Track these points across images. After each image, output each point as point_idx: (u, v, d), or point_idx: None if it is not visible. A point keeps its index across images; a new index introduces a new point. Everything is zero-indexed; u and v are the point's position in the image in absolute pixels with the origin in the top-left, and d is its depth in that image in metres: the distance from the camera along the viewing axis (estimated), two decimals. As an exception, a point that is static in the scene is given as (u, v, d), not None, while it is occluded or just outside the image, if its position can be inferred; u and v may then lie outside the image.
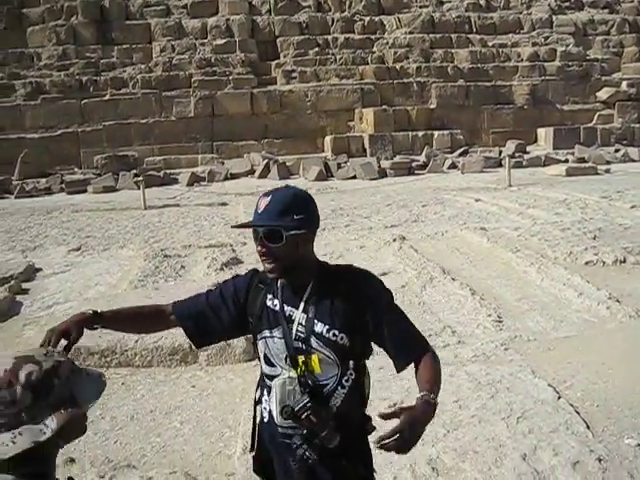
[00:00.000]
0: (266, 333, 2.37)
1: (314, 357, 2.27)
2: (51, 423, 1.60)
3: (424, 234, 10.26)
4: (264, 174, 20.63)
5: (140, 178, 17.20)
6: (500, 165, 21.13)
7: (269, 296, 2.39)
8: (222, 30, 25.95)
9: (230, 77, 24.48)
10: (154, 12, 26.25)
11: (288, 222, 2.23)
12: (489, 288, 7.39)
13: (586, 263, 8.11)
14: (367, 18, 27.13)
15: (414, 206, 13.27)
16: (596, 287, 7.02)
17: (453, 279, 7.49)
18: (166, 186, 19.18)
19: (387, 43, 26.69)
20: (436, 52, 26.53)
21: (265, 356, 2.39)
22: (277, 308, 2.35)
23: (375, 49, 26.44)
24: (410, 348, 2.29)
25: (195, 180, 19.97)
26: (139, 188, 15.72)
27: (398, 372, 2.37)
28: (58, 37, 25.22)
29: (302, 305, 2.31)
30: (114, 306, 6.83)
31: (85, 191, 19.49)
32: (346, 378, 2.30)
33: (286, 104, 24.32)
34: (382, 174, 19.86)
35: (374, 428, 2.36)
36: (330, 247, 9.46)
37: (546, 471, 3.63)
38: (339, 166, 20.72)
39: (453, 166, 21.07)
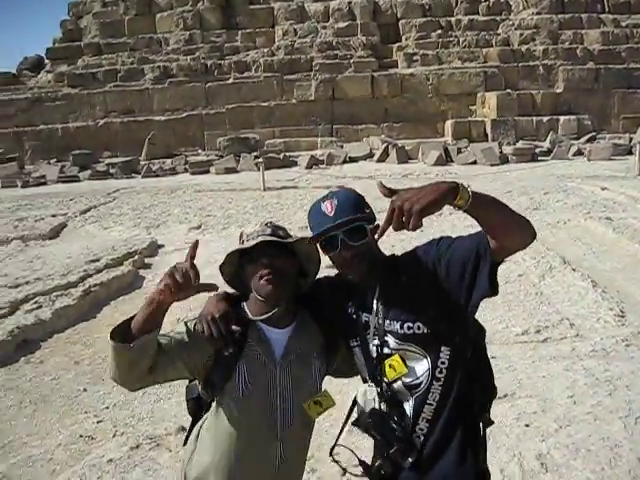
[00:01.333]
0: (352, 342, 2.29)
1: (396, 357, 2.15)
2: None
3: (545, 222, 9.90)
4: (383, 158, 20.55)
5: (260, 160, 17.55)
6: (630, 153, 20.06)
7: (349, 303, 2.30)
8: (344, 13, 25.99)
9: (351, 60, 24.50)
10: (277, -4, 26.60)
11: (364, 216, 2.16)
12: (612, 281, 7.05)
13: None
14: (492, -1, 26.38)
15: (535, 193, 12.83)
16: None
17: (574, 270, 7.21)
18: (286, 168, 19.48)
19: (513, 24, 25.88)
20: (565, 33, 25.46)
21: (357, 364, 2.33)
22: (354, 316, 2.27)
23: (500, 31, 25.71)
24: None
25: (314, 163, 20.16)
26: (259, 170, 16.04)
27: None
28: (185, 23, 26.09)
29: (374, 308, 2.20)
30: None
31: (208, 172, 20.10)
32: (439, 369, 2.13)
33: (407, 88, 24.10)
34: (504, 160, 19.32)
35: (491, 422, 2.23)
36: (447, 232, 9.28)
37: (666, 476, 3.44)
38: (459, 151, 20.33)
39: (579, 153, 20.20)
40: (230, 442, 2.27)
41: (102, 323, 6.64)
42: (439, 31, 25.59)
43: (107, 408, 4.82)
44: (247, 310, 2.33)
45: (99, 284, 7.60)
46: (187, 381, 2.43)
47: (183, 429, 4.07)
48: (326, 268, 2.33)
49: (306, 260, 2.35)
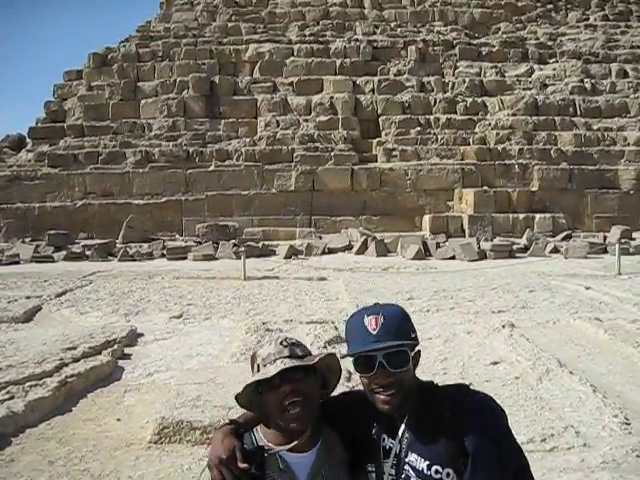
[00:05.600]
0: (369, 467, 2.08)
1: None
2: None
3: (534, 322, 9.77)
4: (362, 250, 20.54)
5: (242, 249, 17.41)
6: (605, 251, 20.34)
7: (374, 423, 2.09)
8: (326, 107, 26.54)
9: (331, 153, 24.87)
10: (261, 88, 27.20)
11: (410, 341, 1.98)
12: (611, 385, 6.87)
13: None
14: (469, 99, 27.23)
15: (520, 291, 12.77)
16: None
17: (571, 373, 7.01)
18: (264, 257, 19.33)
19: (489, 124, 26.61)
20: (539, 134, 26.24)
21: None
22: (376, 438, 2.06)
23: (477, 130, 26.39)
24: None
25: (293, 253, 20.06)
26: (238, 258, 15.89)
27: None
28: (169, 109, 26.42)
29: (399, 436, 1.99)
30: (217, 379, 6.72)
31: (185, 258, 19.88)
32: None
33: (386, 182, 24.42)
34: (482, 256, 19.39)
35: None
36: (435, 330, 9.12)
37: None
38: (438, 245, 20.41)
39: (555, 250, 20.38)
40: None
41: (78, 418, 6.24)
42: (418, 128, 26.18)
43: (86, 517, 4.42)
44: (262, 436, 2.12)
45: (76, 374, 7.19)
46: None
47: None
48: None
49: (326, 371, 2.18)
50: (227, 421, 2.26)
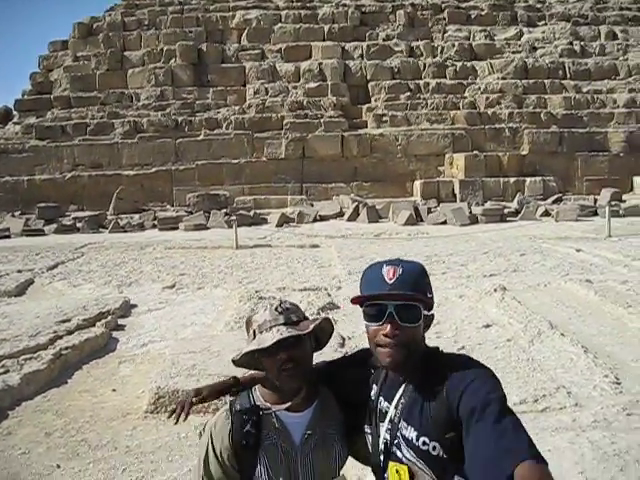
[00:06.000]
0: (367, 428, 2.06)
1: (404, 468, 1.88)
2: None
3: (525, 285, 9.83)
4: (353, 217, 20.54)
5: (233, 217, 17.37)
6: (595, 214, 20.42)
7: (374, 385, 2.08)
8: (315, 74, 26.33)
9: (321, 120, 24.71)
10: (249, 56, 26.92)
11: (425, 298, 1.93)
12: (602, 346, 6.93)
13: None
14: (459, 63, 27.07)
15: (512, 255, 12.81)
16: None
17: (562, 334, 7.07)
18: (256, 226, 19.32)
19: (479, 88, 26.48)
20: (529, 98, 26.13)
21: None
22: (374, 400, 2.04)
23: (467, 94, 26.26)
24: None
25: (285, 221, 20.03)
26: (230, 227, 15.85)
27: None
28: (157, 79, 26.15)
29: (395, 401, 1.96)
30: (211, 347, 6.75)
31: (177, 228, 19.84)
32: None
33: (376, 148, 24.33)
34: (473, 220, 19.42)
35: None
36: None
37: None
38: (429, 211, 20.42)
39: (546, 214, 20.44)
40: None
41: (74, 390, 6.27)
42: (408, 93, 26.05)
43: (84, 487, 4.46)
44: (260, 396, 2.18)
45: (70, 347, 7.21)
46: None
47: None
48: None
49: (319, 331, 2.19)
50: (231, 378, 2.34)
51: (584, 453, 4.46)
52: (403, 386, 1.97)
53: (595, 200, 22.31)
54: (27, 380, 6.32)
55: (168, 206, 23.14)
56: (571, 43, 28.20)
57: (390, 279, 1.90)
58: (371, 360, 2.09)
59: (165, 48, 26.91)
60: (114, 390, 6.15)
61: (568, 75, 27.27)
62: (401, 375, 1.98)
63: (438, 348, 2.06)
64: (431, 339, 6.62)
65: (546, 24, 29.29)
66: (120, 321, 8.68)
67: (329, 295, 9.01)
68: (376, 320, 1.91)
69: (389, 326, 1.88)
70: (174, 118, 24.97)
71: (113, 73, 26.73)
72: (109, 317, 8.56)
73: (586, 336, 7.26)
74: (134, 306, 9.50)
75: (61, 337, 7.53)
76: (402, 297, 1.88)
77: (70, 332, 7.74)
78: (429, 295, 1.97)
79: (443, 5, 29.32)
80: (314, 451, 2.12)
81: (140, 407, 5.59)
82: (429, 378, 1.91)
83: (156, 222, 20.42)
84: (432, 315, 2.00)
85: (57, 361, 6.88)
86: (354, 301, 1.99)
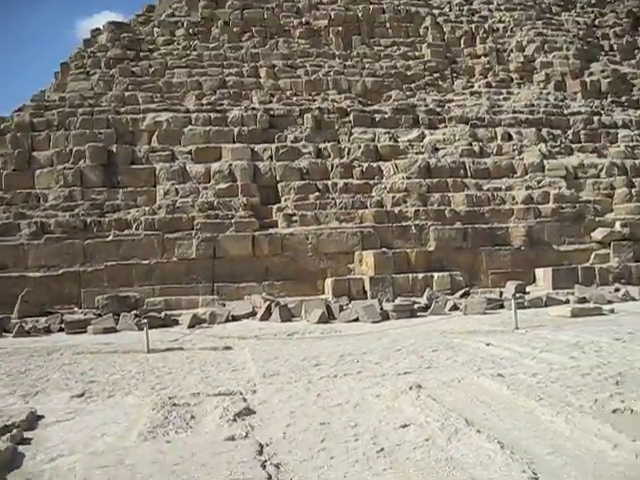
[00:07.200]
0: None
1: None
2: None
3: (440, 381, 9.96)
4: (266, 316, 20.48)
5: (144, 320, 17.00)
6: (502, 306, 21.08)
7: None
8: (225, 175, 26.73)
9: (232, 220, 24.97)
10: (159, 157, 27.15)
11: None
12: (517, 440, 7.06)
13: (614, 411, 7.79)
14: (365, 164, 28.09)
15: (424, 351, 13.02)
16: (630, 438, 6.70)
17: (479, 431, 7.17)
18: (167, 328, 18.92)
19: (385, 188, 27.46)
20: (433, 196, 27.27)
21: None
22: None
23: (374, 193, 27.16)
24: None
25: (197, 322, 19.75)
26: (141, 329, 15.51)
27: None
28: (65, 179, 25.95)
29: None
30: (125, 460, 6.49)
31: (85, 331, 19.21)
32: None
33: (287, 247, 24.67)
34: (384, 317, 19.70)
35: None
36: (344, 396, 9.15)
37: None
38: (341, 308, 20.61)
39: (455, 308, 20.99)
40: None
41: (-24, 512, 5.87)
42: (317, 193, 26.72)
43: None
44: None
45: (-28, 465, 6.78)
46: None
47: None
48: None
49: None
50: None
51: None
52: None
53: (501, 293, 23.13)
54: None
55: (76, 309, 22.47)
56: (470, 144, 29.84)
57: None
58: None
59: (74, 149, 26.77)
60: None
61: (469, 174, 28.70)
62: None
63: None
64: (349, 442, 6.59)
65: (446, 126, 30.92)
66: (26, 434, 8.22)
67: (244, 400, 8.87)
68: None
69: None
70: (82, 219, 24.62)
71: (20, 173, 26.28)
72: (14, 430, 8.10)
73: (502, 431, 7.39)
74: (41, 417, 9.03)
75: (-39, 455, 7.07)
76: None
77: (-29, 450, 7.28)
78: None
79: (348, 109, 30.58)
80: None
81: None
82: None
83: (63, 325, 19.72)
84: None
85: (-44, 482, 6.44)
86: None
